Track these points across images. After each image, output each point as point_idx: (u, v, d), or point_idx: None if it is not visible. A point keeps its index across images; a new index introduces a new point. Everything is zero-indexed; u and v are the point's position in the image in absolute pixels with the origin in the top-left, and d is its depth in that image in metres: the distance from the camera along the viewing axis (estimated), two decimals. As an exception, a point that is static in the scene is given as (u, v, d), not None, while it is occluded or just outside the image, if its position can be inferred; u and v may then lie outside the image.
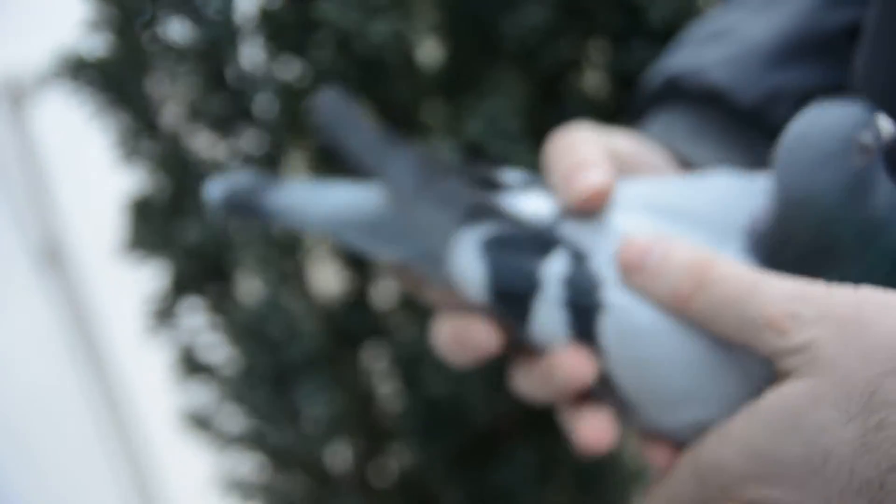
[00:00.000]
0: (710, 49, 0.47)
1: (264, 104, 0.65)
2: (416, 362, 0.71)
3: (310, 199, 0.44)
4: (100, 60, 0.65)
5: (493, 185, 0.41)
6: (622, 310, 0.36)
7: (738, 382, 0.35)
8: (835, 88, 0.43)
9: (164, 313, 0.79)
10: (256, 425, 0.65)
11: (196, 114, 0.67)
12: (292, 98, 0.64)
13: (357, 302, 0.77)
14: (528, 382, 0.40)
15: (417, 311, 0.72)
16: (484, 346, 0.40)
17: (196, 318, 0.80)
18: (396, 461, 0.72)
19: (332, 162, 0.66)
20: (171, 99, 0.68)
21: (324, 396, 0.60)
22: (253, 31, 0.63)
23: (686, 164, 0.45)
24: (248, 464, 0.75)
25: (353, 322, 0.73)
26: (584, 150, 0.39)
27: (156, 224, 0.73)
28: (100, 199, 0.87)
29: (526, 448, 0.73)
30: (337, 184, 0.45)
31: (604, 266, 0.36)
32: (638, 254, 0.36)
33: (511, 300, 0.38)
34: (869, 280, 0.33)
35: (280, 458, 0.73)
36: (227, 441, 0.70)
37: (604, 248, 0.37)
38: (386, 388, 0.76)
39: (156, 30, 0.64)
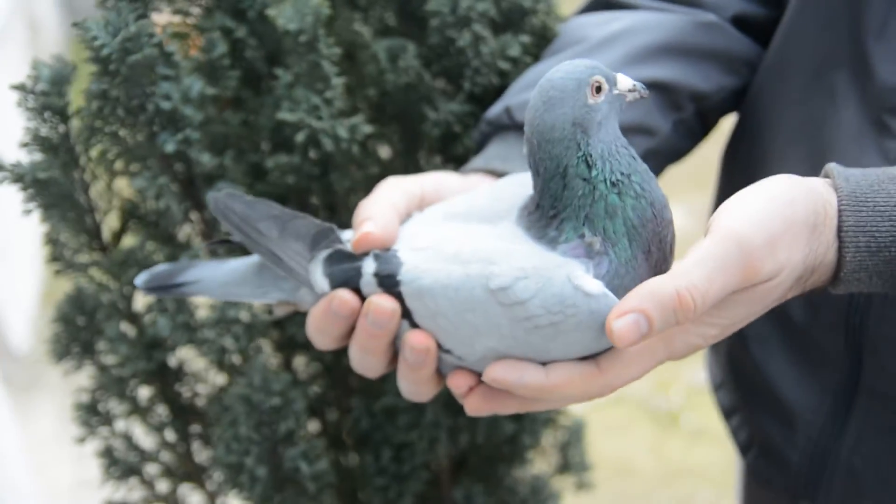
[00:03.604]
0: (525, 93, 0.64)
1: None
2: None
3: (210, 271, 0.58)
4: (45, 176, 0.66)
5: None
6: (411, 279, 0.51)
7: (506, 314, 0.48)
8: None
9: (94, 411, 0.80)
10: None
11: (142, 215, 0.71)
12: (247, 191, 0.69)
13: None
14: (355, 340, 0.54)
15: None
16: (349, 304, 0.53)
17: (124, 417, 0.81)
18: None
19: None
20: (115, 204, 0.70)
21: (318, 457, 0.66)
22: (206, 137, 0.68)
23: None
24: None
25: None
26: (368, 207, 0.55)
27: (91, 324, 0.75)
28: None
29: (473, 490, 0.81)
30: (229, 259, 0.60)
31: (399, 255, 0.53)
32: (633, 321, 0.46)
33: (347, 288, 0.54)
34: (592, 198, 0.47)
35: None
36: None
37: (400, 244, 0.53)
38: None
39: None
